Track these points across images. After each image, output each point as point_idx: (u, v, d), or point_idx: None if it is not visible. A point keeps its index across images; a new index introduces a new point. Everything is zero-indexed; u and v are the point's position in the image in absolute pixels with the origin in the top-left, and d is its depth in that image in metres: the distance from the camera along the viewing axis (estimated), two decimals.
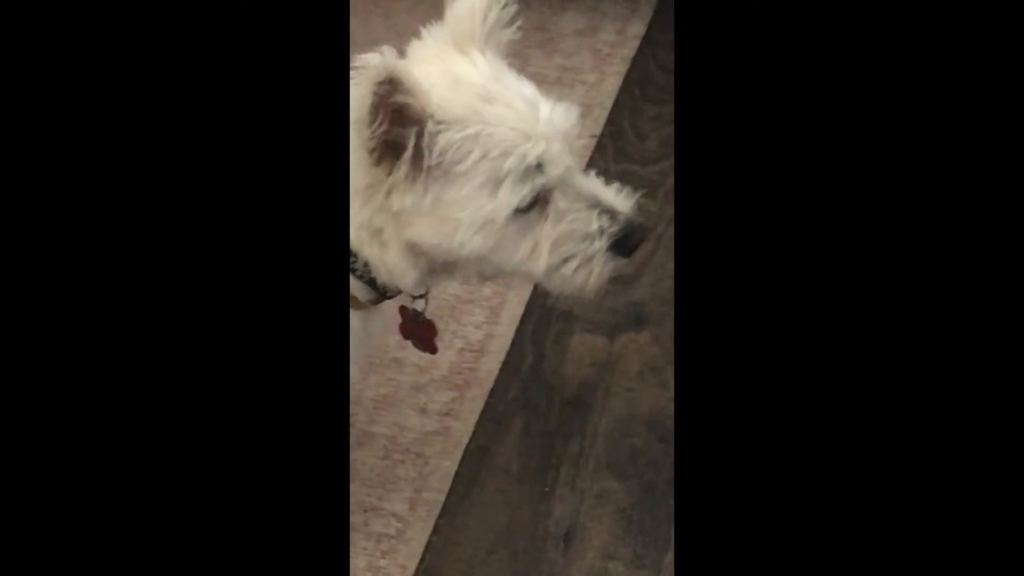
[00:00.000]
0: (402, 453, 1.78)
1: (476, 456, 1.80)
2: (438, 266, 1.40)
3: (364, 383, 1.86)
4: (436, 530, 1.70)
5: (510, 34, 1.42)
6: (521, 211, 1.32)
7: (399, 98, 1.26)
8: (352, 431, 1.80)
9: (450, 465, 1.77)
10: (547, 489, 1.76)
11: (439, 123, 1.29)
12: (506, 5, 1.40)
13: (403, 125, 1.27)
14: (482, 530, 1.71)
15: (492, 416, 1.85)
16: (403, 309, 1.51)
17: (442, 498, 1.73)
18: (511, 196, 1.31)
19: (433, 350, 1.57)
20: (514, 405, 1.87)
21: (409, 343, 1.89)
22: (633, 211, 1.37)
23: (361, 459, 1.77)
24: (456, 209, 1.31)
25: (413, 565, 1.66)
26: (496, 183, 1.30)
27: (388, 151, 1.29)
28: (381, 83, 1.24)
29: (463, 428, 1.82)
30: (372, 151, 1.28)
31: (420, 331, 1.54)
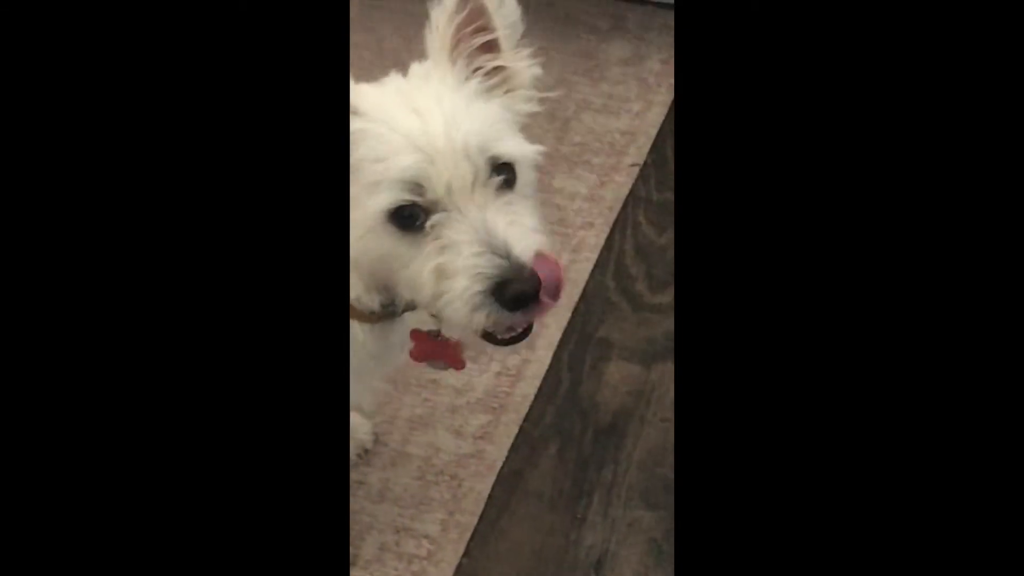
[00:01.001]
0: (436, 474, 1.79)
1: (509, 480, 1.80)
2: (370, 281, 1.34)
3: (400, 403, 1.87)
4: (467, 553, 1.70)
5: (474, 41, 1.32)
6: (409, 230, 1.24)
7: None
8: (386, 451, 1.81)
9: (483, 488, 1.77)
10: (579, 516, 1.76)
11: (354, 112, 1.25)
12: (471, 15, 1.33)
13: None
14: (513, 555, 1.71)
15: (526, 441, 1.85)
16: (415, 333, 1.44)
17: (474, 521, 1.74)
18: (380, 199, 1.23)
19: (460, 366, 1.49)
20: (549, 431, 1.87)
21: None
22: (525, 258, 1.22)
23: (395, 479, 1.77)
24: (352, 207, 1.25)
25: None
26: (374, 188, 1.24)
27: None
28: None
29: (497, 452, 1.82)
30: None
31: (438, 351, 1.46)
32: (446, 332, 1.39)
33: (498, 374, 1.92)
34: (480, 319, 1.23)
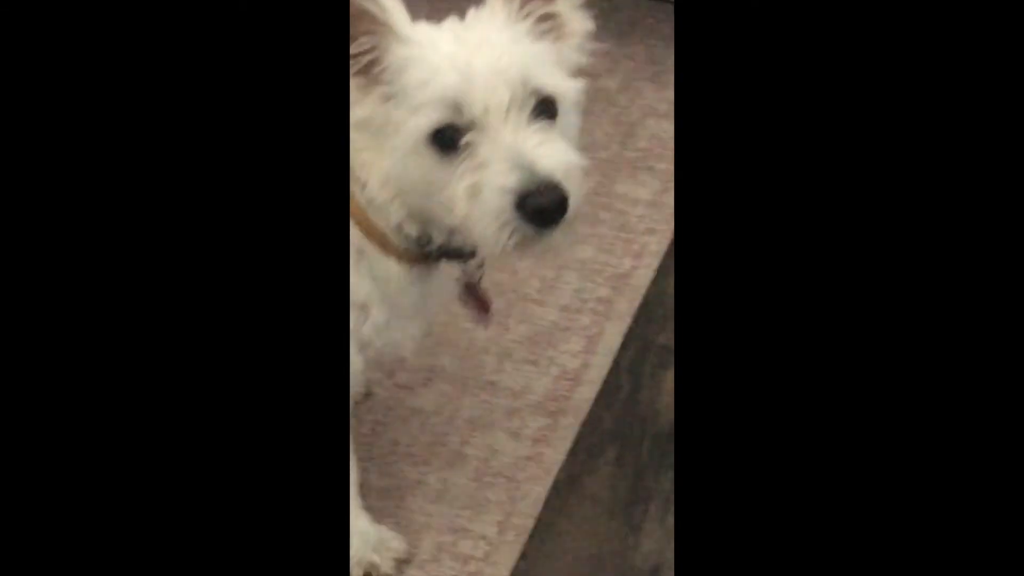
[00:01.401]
0: (493, 476, 1.79)
1: (567, 484, 1.79)
2: (411, 207, 1.39)
3: (459, 404, 1.87)
4: (524, 555, 1.70)
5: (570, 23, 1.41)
6: (445, 150, 1.30)
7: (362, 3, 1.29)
8: (444, 451, 1.81)
9: (540, 491, 1.77)
10: (636, 523, 1.75)
11: (396, 39, 1.31)
12: None
13: (365, 30, 1.30)
14: (569, 559, 1.71)
15: (585, 445, 1.84)
16: (462, 279, 1.52)
17: (531, 523, 1.73)
18: (422, 119, 1.29)
19: (486, 323, 1.58)
20: (607, 436, 1.86)
21: (505, 370, 1.91)
22: (553, 174, 1.29)
23: (452, 479, 1.78)
24: (392, 132, 1.32)
25: None
26: (415, 110, 1.30)
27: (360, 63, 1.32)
28: None
29: (555, 455, 1.82)
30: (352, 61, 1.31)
31: (476, 302, 1.54)
32: (480, 253, 1.44)
33: (557, 377, 1.92)
34: (505, 236, 1.29)
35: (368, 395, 1.87)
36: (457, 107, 1.29)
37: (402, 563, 1.66)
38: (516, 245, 1.30)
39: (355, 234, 1.41)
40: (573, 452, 1.83)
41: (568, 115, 1.38)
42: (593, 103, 2.32)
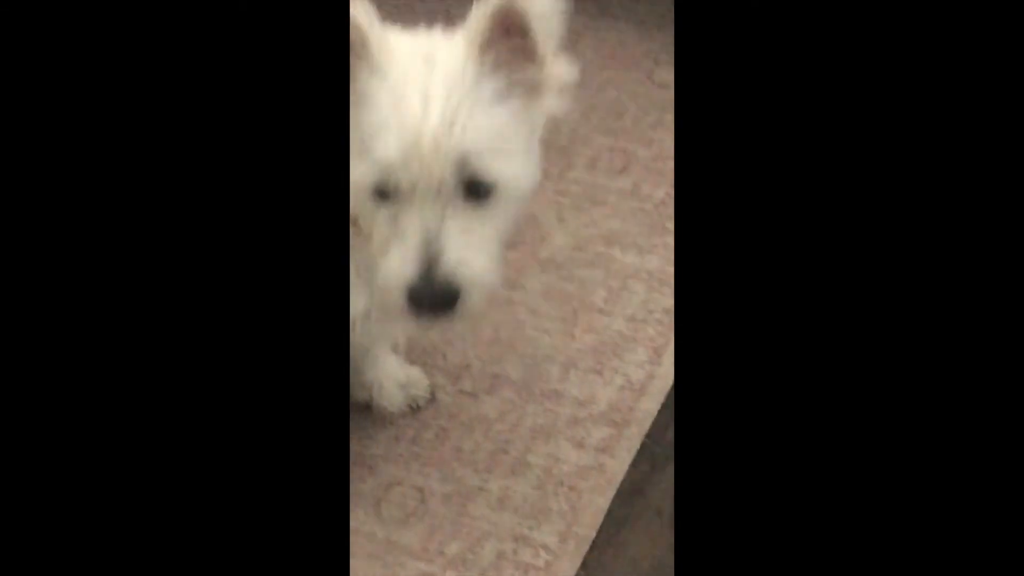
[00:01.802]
0: (555, 485, 1.78)
1: (629, 495, 1.79)
2: None
3: (522, 412, 1.87)
4: (584, 565, 1.70)
5: (508, 44, 1.33)
6: (381, 204, 1.32)
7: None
8: (507, 458, 1.81)
9: (603, 502, 1.77)
10: None
11: (370, 68, 1.30)
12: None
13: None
14: (630, 570, 1.70)
15: (648, 456, 1.84)
16: None
17: (592, 534, 1.73)
18: (364, 172, 1.30)
19: None
20: (671, 447, 1.85)
21: (570, 379, 1.91)
22: (451, 273, 1.31)
23: (514, 487, 1.78)
24: (352, 153, 1.32)
25: None
26: (362, 150, 1.30)
27: None
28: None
29: (618, 466, 1.81)
30: None
31: None
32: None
33: (622, 388, 1.91)
34: (395, 308, 1.34)
35: (432, 400, 1.88)
36: (391, 174, 1.30)
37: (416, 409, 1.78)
38: (406, 318, 1.35)
39: None
40: (636, 463, 1.82)
41: (510, 198, 1.36)
42: (663, 113, 2.32)
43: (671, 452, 1.84)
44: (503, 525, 1.73)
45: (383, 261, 1.34)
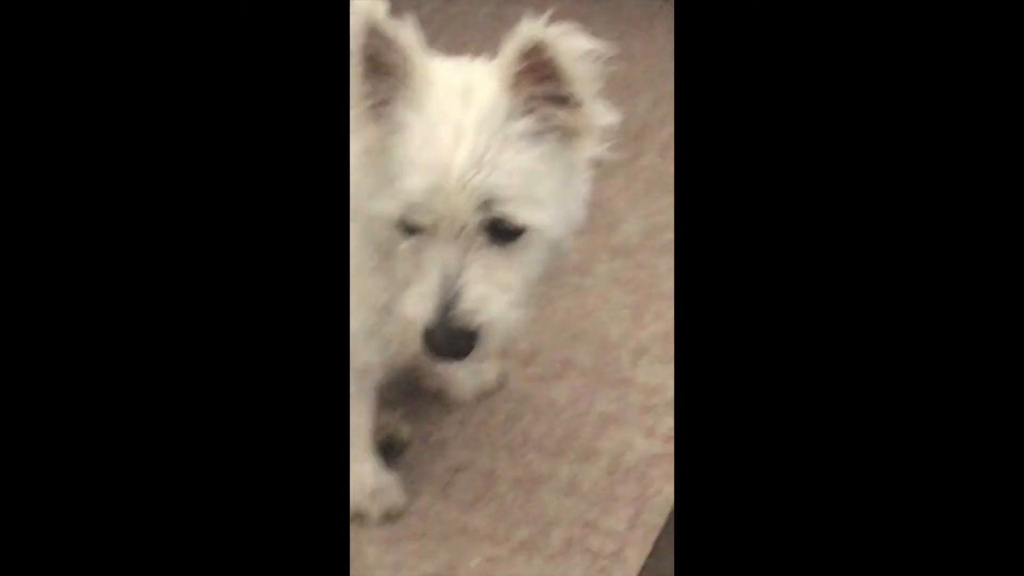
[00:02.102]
0: (625, 472, 1.78)
1: None
2: None
3: (592, 397, 1.86)
4: (653, 553, 1.69)
5: (539, 89, 1.28)
6: (407, 236, 1.30)
7: (377, 43, 1.26)
8: (576, 444, 1.81)
9: (672, 490, 1.75)
10: None
11: (409, 94, 1.29)
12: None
13: (377, 71, 1.28)
14: None
15: None
16: None
17: (662, 521, 1.72)
18: (391, 205, 1.29)
19: None
20: None
21: (640, 366, 1.90)
22: (467, 322, 1.28)
23: (584, 474, 1.77)
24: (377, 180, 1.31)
25: None
26: (393, 185, 1.29)
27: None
28: (368, 32, 1.25)
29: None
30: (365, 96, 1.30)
31: None
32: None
33: None
34: (415, 347, 1.31)
35: (502, 385, 1.88)
36: (415, 210, 1.28)
37: (392, 516, 1.70)
38: (425, 355, 1.33)
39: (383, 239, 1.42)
40: None
41: (539, 240, 1.32)
42: None
43: None
44: (572, 511, 1.73)
45: (404, 296, 1.32)
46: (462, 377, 1.85)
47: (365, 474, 1.69)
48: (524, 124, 1.28)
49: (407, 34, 1.27)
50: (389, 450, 1.78)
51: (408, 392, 1.87)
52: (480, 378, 1.87)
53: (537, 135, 1.29)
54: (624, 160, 2.16)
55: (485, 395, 1.87)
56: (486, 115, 1.27)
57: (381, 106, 1.31)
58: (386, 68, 1.28)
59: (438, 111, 1.28)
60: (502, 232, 1.29)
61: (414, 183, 1.27)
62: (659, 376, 1.89)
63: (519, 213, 1.28)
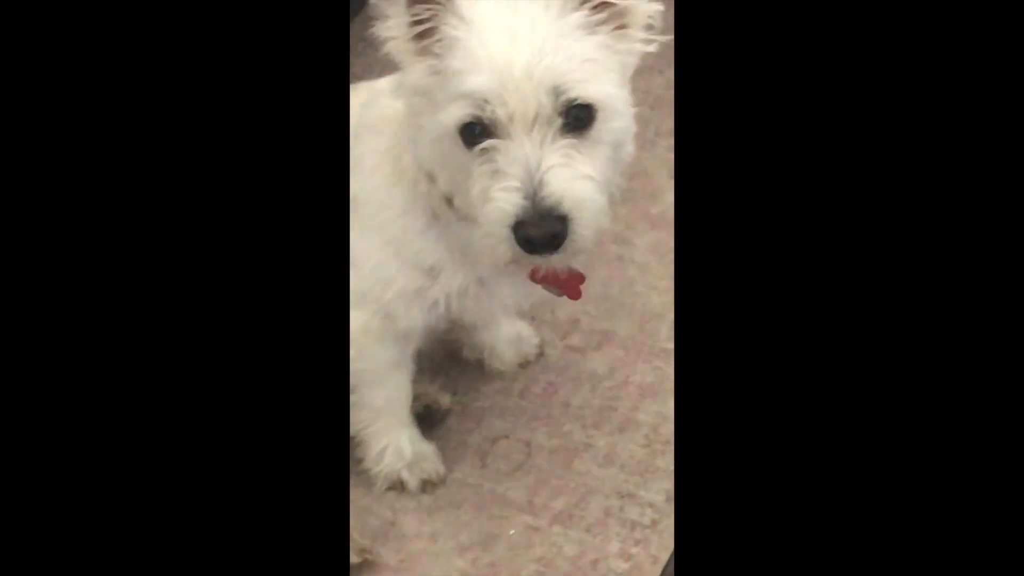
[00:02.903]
0: (663, 444, 1.77)
1: None
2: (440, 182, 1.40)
3: (632, 369, 1.86)
4: None
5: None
6: (472, 146, 1.28)
7: None
8: (615, 415, 1.81)
9: None
10: None
11: (453, 15, 1.28)
12: None
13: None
14: None
15: None
16: None
17: None
18: (452, 112, 1.28)
19: (575, 295, 1.51)
20: None
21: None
22: (557, 205, 1.26)
23: (622, 444, 1.77)
24: (434, 110, 1.30)
25: (664, 557, 1.65)
26: (448, 99, 1.28)
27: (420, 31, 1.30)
28: None
29: None
30: (411, 25, 1.29)
31: (558, 279, 1.48)
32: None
33: None
34: (502, 253, 1.29)
35: (541, 355, 1.88)
36: (485, 107, 1.26)
37: (431, 485, 1.71)
38: (509, 263, 1.31)
39: (434, 199, 1.42)
40: None
41: (610, 122, 1.32)
42: None
43: None
44: (610, 482, 1.73)
45: (483, 208, 1.30)
46: (502, 347, 1.85)
47: (403, 443, 1.69)
48: (576, 17, 1.29)
49: None
50: (428, 419, 1.78)
51: (448, 361, 1.87)
52: (519, 348, 1.86)
53: (590, 27, 1.30)
54: (664, 130, 2.15)
55: (524, 365, 1.87)
56: (539, 12, 1.29)
57: (427, 38, 1.31)
58: None
59: (489, 19, 1.29)
60: (575, 119, 1.29)
61: (480, 81, 1.26)
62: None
63: (589, 90, 1.29)
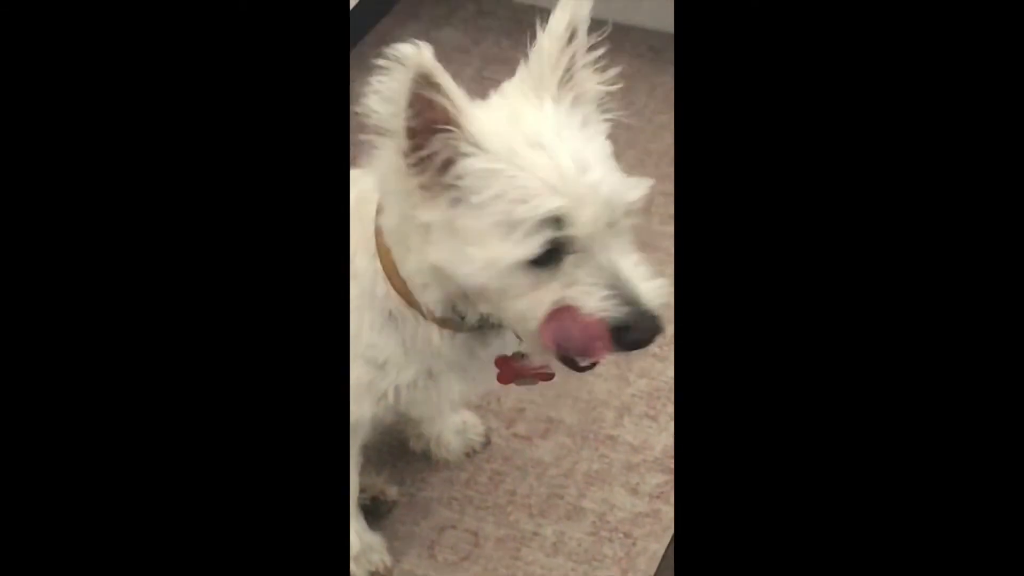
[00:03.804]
0: (610, 531, 1.78)
1: None
2: (458, 291, 1.36)
3: (577, 456, 1.87)
4: None
5: (597, 84, 1.33)
6: (535, 264, 1.26)
7: (430, 93, 1.23)
8: (562, 504, 1.81)
9: (658, 548, 1.76)
10: None
11: (471, 146, 1.25)
12: (593, 47, 1.32)
13: (433, 127, 1.24)
14: None
15: None
16: (499, 360, 1.47)
17: None
18: (521, 246, 1.25)
19: (549, 377, 1.49)
20: None
21: (624, 424, 1.90)
22: (655, 307, 1.27)
23: (569, 533, 1.77)
24: (468, 239, 1.27)
25: None
26: (509, 228, 1.25)
27: (423, 158, 1.27)
28: (416, 77, 1.21)
29: (673, 512, 1.80)
30: (408, 153, 1.26)
31: (525, 369, 1.47)
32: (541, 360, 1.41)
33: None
34: (602, 350, 1.29)
35: (487, 444, 1.88)
36: (558, 227, 1.25)
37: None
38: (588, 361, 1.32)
39: (392, 300, 1.42)
40: None
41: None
42: None
43: None
44: (557, 570, 1.73)
45: (535, 316, 1.29)
46: (448, 437, 1.86)
47: (350, 535, 1.69)
48: (579, 114, 1.31)
49: (448, 79, 1.25)
50: (375, 511, 1.78)
51: (394, 452, 1.87)
52: (465, 437, 1.87)
53: (588, 121, 1.32)
54: None
55: (470, 454, 1.87)
56: (555, 118, 1.29)
57: (440, 171, 1.27)
58: (433, 120, 1.25)
59: (513, 145, 1.26)
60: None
61: (552, 204, 1.24)
62: (643, 434, 1.90)
63: (635, 196, 1.30)
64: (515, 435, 1.91)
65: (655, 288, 1.29)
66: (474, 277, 1.29)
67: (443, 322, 1.42)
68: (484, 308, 1.37)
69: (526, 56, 1.32)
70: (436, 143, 1.25)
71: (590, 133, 1.31)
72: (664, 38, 2.57)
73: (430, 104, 1.23)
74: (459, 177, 1.26)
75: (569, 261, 1.27)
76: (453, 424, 1.86)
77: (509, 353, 1.47)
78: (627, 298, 1.27)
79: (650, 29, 2.57)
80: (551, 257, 1.26)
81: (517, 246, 1.25)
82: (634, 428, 1.91)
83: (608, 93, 1.35)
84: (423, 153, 1.26)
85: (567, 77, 1.31)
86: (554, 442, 1.89)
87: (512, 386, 1.53)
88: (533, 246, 1.25)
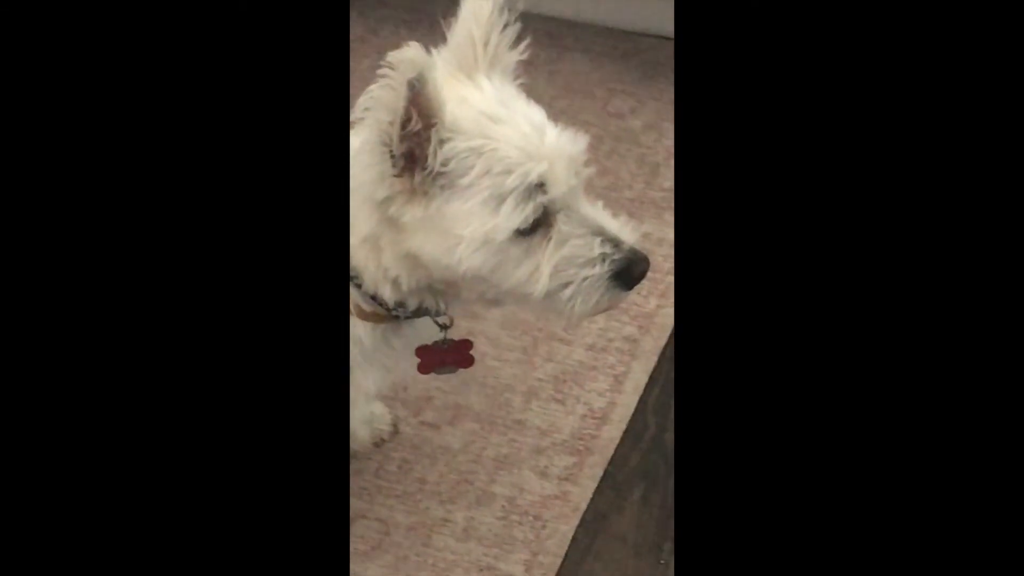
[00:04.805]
0: (520, 515, 1.79)
1: (593, 523, 1.79)
2: (436, 282, 1.40)
3: (486, 442, 1.88)
4: None
5: (516, 56, 1.40)
6: (523, 232, 1.32)
7: (424, 98, 1.25)
8: (472, 489, 1.82)
9: (567, 530, 1.77)
10: (663, 562, 1.75)
11: (448, 131, 1.29)
12: (506, 27, 1.38)
13: (429, 124, 1.27)
14: None
15: (611, 484, 1.85)
16: (419, 350, 1.51)
17: (558, 563, 1.73)
18: (513, 215, 1.30)
19: (469, 363, 1.56)
20: (634, 474, 1.86)
21: (532, 408, 1.91)
22: (637, 242, 1.37)
23: (479, 518, 1.78)
24: (457, 224, 1.31)
25: None
26: (499, 201, 1.30)
27: (408, 158, 1.29)
28: (414, 80, 1.24)
29: (582, 494, 1.82)
30: (398, 158, 1.28)
31: (447, 356, 1.53)
32: (561, 319, 1.52)
33: (584, 416, 1.92)
34: (602, 303, 1.36)
35: (395, 432, 1.88)
36: (542, 192, 1.31)
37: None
38: (601, 309, 1.38)
39: None
40: (600, 491, 1.83)
41: None
42: (618, 143, 2.35)
43: (634, 479, 1.86)
44: (469, 556, 1.74)
45: (559, 277, 1.34)
46: (356, 427, 1.85)
47: (357, 407, 1.70)
48: (509, 86, 1.39)
49: (436, 73, 1.28)
50: None
51: None
52: (373, 427, 1.87)
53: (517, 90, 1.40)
54: None
55: (379, 444, 1.87)
56: (493, 96, 1.35)
57: (425, 169, 1.29)
58: (423, 119, 1.27)
59: (474, 121, 1.31)
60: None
61: (536, 169, 1.30)
62: (551, 417, 1.92)
63: (582, 146, 1.38)
64: (423, 423, 1.91)
65: (628, 227, 1.37)
66: (468, 260, 1.32)
67: (368, 315, 1.42)
68: (468, 293, 1.41)
69: (432, 44, 1.34)
70: (432, 138, 1.28)
71: (526, 99, 1.38)
72: (564, 25, 2.58)
73: (426, 103, 1.26)
74: (445, 163, 1.29)
75: (559, 219, 1.33)
76: (361, 414, 1.85)
77: (429, 343, 1.49)
78: (615, 241, 1.35)
79: (547, 16, 2.58)
80: (537, 223, 1.32)
81: (510, 217, 1.30)
82: (541, 412, 1.92)
83: (518, 63, 1.41)
84: (421, 152, 1.28)
85: (493, 56, 1.37)
86: (462, 428, 1.90)
87: (418, 374, 1.53)
88: (526, 212, 1.30)
